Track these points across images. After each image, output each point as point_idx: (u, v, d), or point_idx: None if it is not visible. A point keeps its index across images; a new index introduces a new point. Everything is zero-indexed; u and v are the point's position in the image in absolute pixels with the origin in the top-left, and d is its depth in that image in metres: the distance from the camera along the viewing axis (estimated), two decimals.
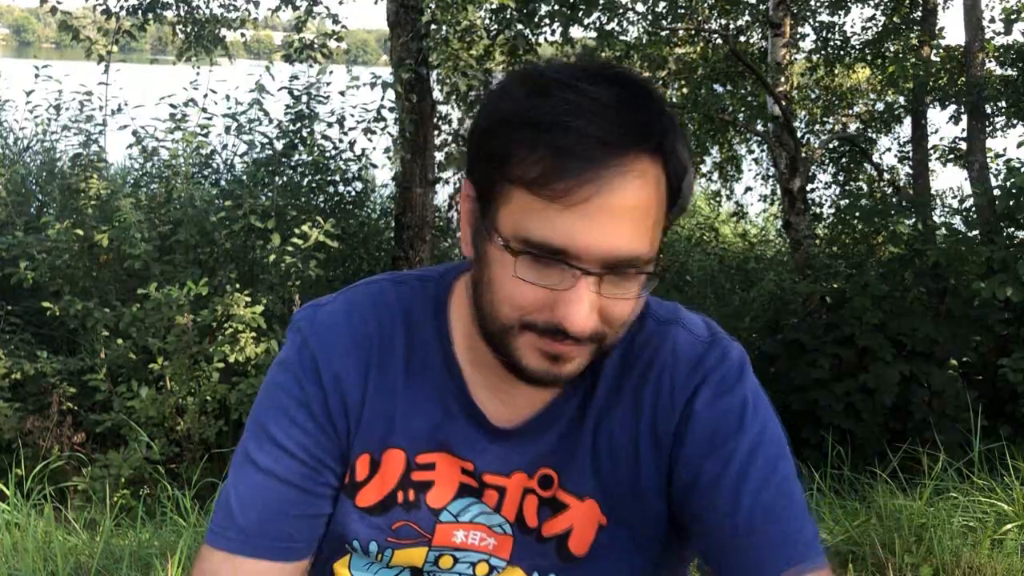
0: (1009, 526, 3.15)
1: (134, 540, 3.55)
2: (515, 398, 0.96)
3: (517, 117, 0.83)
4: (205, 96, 6.81)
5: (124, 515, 4.34)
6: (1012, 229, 6.48)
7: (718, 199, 12.42)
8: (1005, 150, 7.65)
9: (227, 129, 6.90)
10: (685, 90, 10.06)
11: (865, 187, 10.28)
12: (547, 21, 7.42)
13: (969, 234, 6.61)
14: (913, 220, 7.09)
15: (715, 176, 11.94)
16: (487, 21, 8.65)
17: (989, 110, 8.25)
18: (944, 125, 9.28)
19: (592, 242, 0.81)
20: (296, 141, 6.71)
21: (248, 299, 5.31)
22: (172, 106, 6.69)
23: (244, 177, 6.85)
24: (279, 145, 6.71)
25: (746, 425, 0.92)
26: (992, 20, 8.54)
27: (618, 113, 0.82)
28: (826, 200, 10.54)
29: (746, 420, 0.92)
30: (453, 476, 0.96)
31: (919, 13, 9.49)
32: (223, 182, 7.28)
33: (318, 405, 0.94)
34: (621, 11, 7.90)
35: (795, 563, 0.87)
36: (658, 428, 0.94)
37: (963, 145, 8.74)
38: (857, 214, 7.43)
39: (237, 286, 5.43)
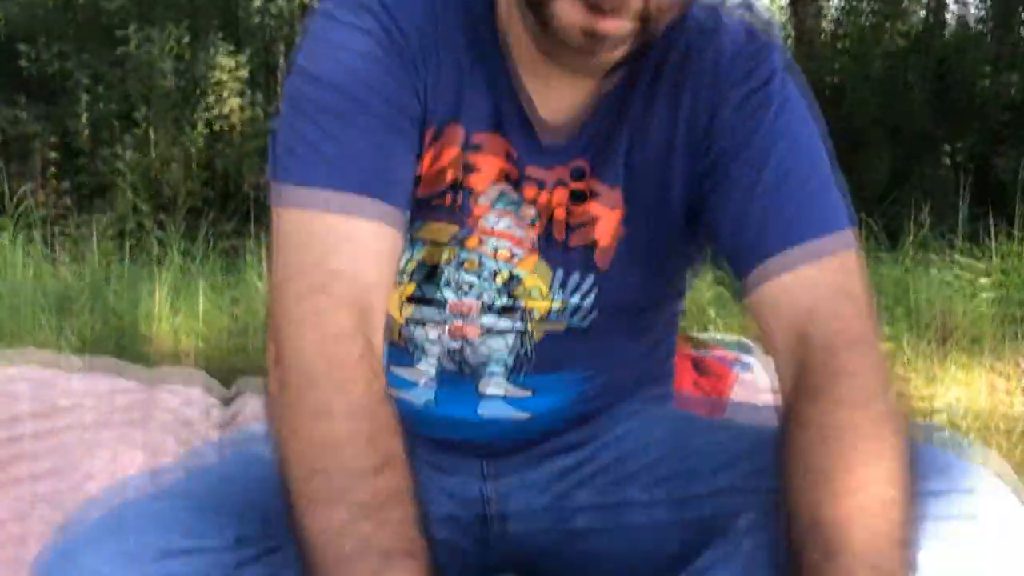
0: (984, 280, 3.22)
1: (121, 272, 3.62)
2: (558, 87, 0.90)
3: None
4: None
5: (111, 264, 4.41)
6: None
7: None
8: None
9: None
10: None
11: None
12: None
13: (979, 29, 6.43)
14: (924, 13, 6.87)
15: None
16: None
17: None
18: None
19: None
20: None
21: (232, 48, 5.13)
22: None
23: None
24: None
25: (773, 96, 0.88)
26: None
27: None
28: None
29: (773, 92, 0.88)
30: (497, 161, 0.93)
31: None
32: None
33: (405, 56, 0.85)
34: None
35: (819, 233, 0.84)
36: (697, 121, 0.91)
37: None
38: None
39: (220, 35, 5.24)
